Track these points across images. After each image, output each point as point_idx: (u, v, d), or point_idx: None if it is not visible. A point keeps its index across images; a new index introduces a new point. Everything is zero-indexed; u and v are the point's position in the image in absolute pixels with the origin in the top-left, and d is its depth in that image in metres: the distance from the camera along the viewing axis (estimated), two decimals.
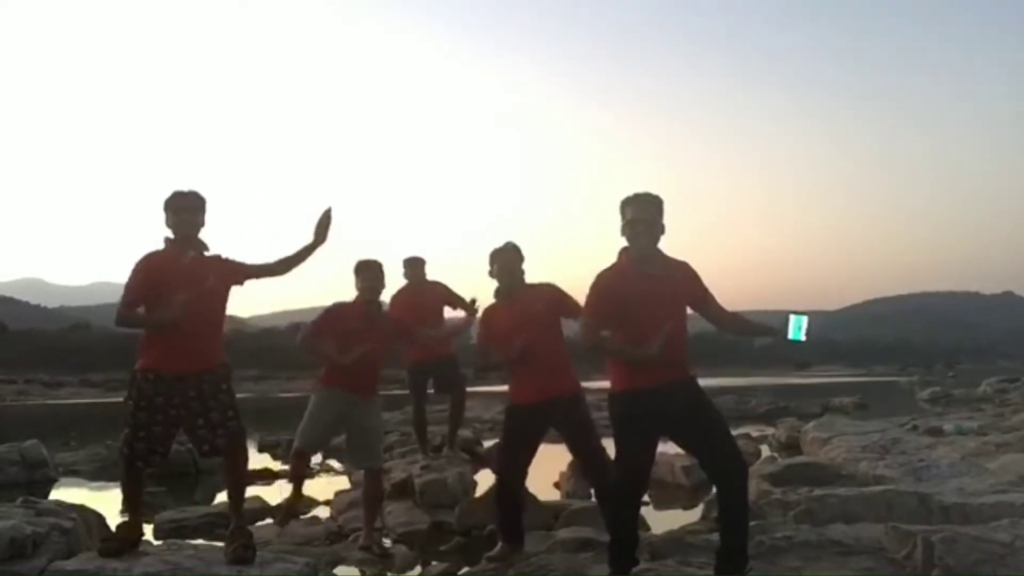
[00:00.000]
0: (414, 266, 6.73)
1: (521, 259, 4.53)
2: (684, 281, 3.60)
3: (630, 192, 3.55)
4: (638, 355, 3.46)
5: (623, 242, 3.56)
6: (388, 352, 5.25)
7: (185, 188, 3.99)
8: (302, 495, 5.40)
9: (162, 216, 3.98)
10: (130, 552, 3.76)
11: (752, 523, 4.38)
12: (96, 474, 10.35)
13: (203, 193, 4.02)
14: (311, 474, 9.03)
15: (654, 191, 3.57)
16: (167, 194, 3.99)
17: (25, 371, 63.51)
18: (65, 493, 8.22)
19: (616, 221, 3.58)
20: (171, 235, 3.98)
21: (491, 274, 4.53)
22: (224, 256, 4.10)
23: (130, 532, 3.91)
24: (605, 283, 3.55)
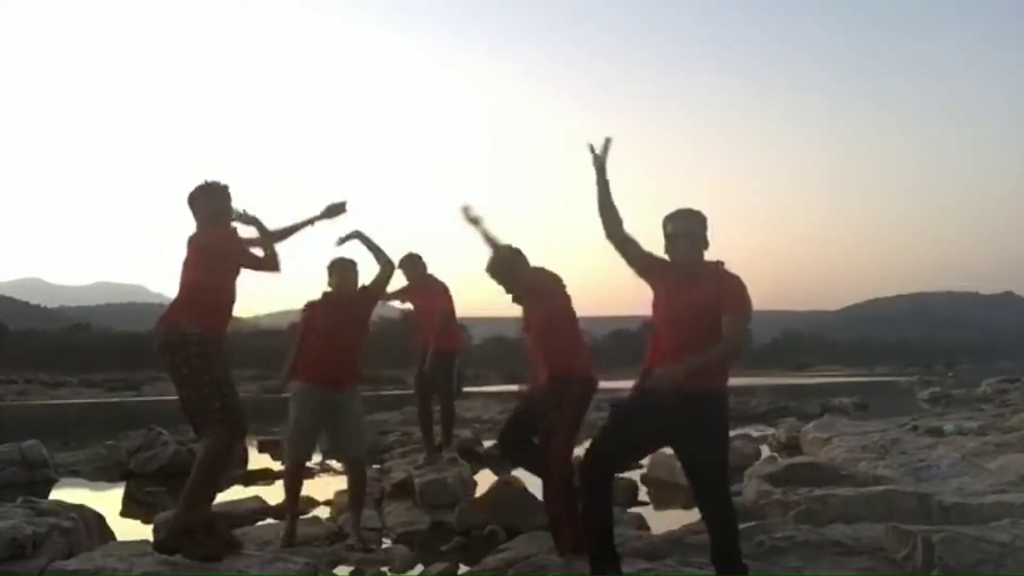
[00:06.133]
0: (412, 264, 6.55)
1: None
2: (710, 289, 3.35)
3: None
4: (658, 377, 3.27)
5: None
6: (361, 339, 5.06)
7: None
8: (296, 517, 5.16)
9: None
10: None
11: (752, 523, 4.39)
12: (96, 474, 10.33)
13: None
14: (311, 474, 9.03)
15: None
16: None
17: (25, 371, 63.49)
18: (65, 493, 8.21)
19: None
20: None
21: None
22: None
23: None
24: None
